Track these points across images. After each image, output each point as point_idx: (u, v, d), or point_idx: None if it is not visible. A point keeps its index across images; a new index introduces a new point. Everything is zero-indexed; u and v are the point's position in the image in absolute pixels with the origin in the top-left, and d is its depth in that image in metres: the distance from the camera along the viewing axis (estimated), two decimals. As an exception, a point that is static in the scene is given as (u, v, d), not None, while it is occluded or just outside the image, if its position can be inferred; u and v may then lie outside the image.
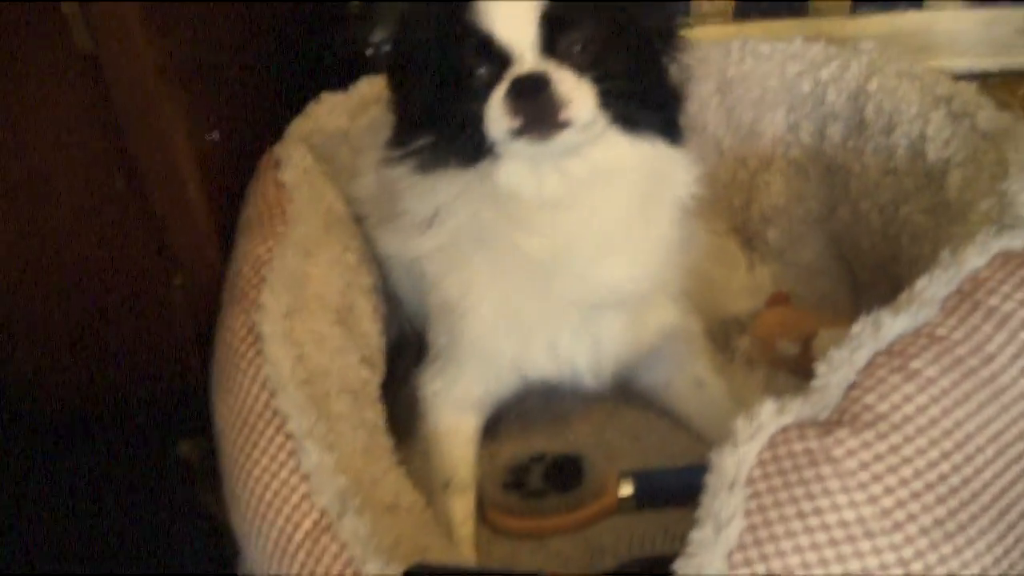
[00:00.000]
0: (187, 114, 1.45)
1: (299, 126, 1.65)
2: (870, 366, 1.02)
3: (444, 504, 1.43)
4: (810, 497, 0.94)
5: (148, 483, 1.62)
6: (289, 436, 1.20)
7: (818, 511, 0.93)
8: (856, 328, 1.06)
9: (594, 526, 1.44)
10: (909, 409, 0.98)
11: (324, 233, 1.49)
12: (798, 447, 0.97)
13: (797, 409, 1.01)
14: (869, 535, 0.92)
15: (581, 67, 1.22)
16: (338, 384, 1.35)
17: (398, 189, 1.39)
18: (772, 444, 0.98)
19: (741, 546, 0.93)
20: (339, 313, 1.43)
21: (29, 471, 1.62)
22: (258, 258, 1.41)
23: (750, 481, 0.96)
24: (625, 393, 1.58)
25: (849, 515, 0.93)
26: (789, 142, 1.77)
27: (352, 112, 1.68)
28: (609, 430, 1.58)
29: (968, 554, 0.93)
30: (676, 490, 1.40)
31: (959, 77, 1.57)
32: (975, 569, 0.93)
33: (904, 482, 0.94)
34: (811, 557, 0.92)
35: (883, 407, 0.98)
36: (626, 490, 1.44)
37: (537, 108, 1.19)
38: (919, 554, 0.92)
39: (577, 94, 1.20)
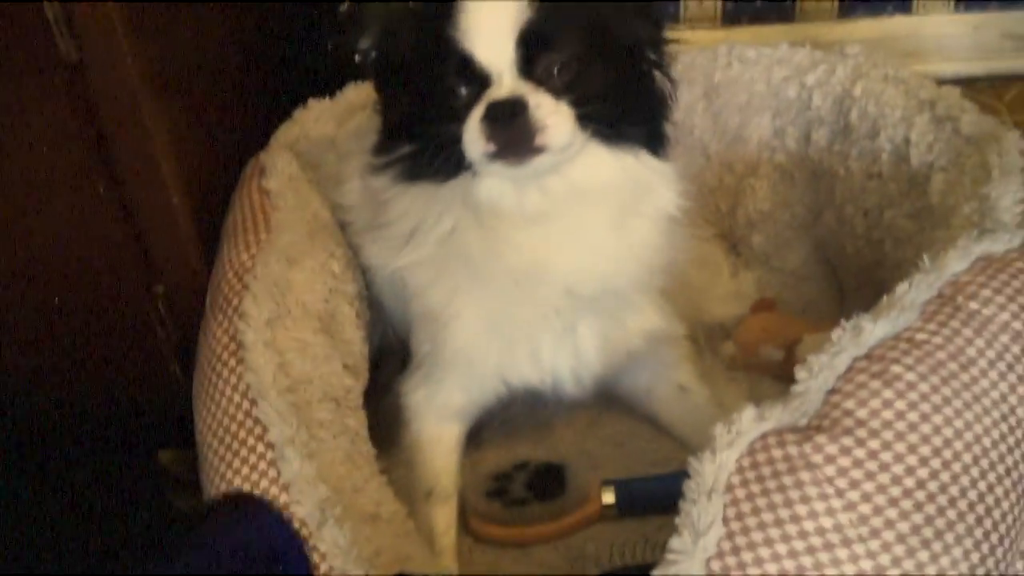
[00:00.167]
0: (171, 121, 1.44)
1: (285, 132, 1.65)
2: (850, 371, 1.02)
3: (426, 513, 1.42)
4: (788, 504, 0.94)
5: (128, 493, 1.61)
6: (270, 445, 1.19)
7: (796, 518, 0.93)
8: (836, 334, 1.06)
9: (576, 534, 1.44)
10: (888, 415, 0.98)
11: (308, 240, 1.48)
12: (777, 453, 0.97)
13: (777, 415, 1.01)
14: (846, 542, 0.92)
15: (559, 89, 1.20)
16: (320, 392, 1.34)
17: (382, 199, 1.39)
18: (751, 451, 0.98)
19: (719, 554, 0.93)
20: (322, 320, 1.43)
21: (7, 480, 1.61)
22: (241, 265, 1.40)
23: (729, 488, 0.96)
24: (608, 400, 1.58)
25: (827, 522, 0.93)
26: (775, 147, 1.77)
27: (339, 118, 1.68)
28: (592, 438, 1.58)
29: (945, 561, 0.92)
30: (658, 498, 1.39)
31: (946, 82, 1.56)
32: (952, 576, 0.93)
33: (882, 488, 0.94)
34: (788, 565, 0.91)
35: (862, 413, 0.98)
36: (608, 498, 1.44)
37: (512, 134, 1.18)
38: (896, 561, 0.92)
39: (554, 119, 1.19)
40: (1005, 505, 0.98)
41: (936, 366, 1.01)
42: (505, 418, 1.57)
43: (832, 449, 0.96)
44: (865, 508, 0.93)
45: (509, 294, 1.34)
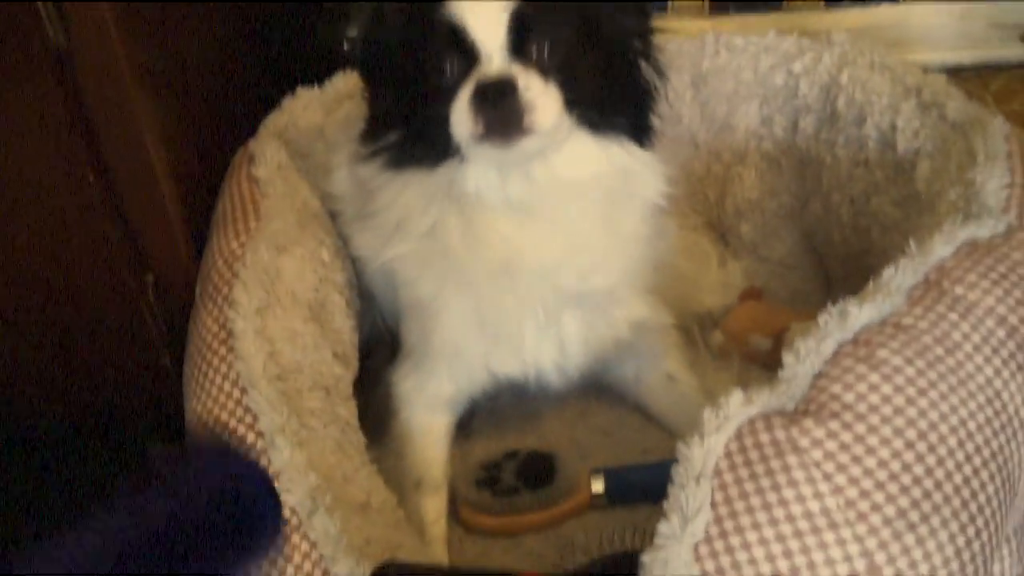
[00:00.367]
0: (160, 110, 1.44)
1: (274, 121, 1.65)
2: (836, 356, 1.03)
3: (416, 503, 1.43)
4: (776, 488, 0.94)
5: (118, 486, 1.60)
6: (260, 434, 1.20)
7: (783, 502, 0.93)
8: (823, 318, 1.06)
9: (566, 523, 1.44)
10: (874, 398, 0.98)
11: (297, 229, 1.48)
12: (765, 438, 0.97)
13: (764, 400, 1.01)
14: (833, 526, 0.92)
15: (549, 70, 1.21)
16: (311, 380, 1.35)
17: (370, 188, 1.39)
18: (739, 435, 0.99)
19: (707, 538, 0.94)
20: (312, 309, 1.43)
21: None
22: (231, 253, 1.41)
23: (717, 472, 0.97)
24: (597, 390, 1.58)
25: (814, 506, 0.93)
26: (762, 135, 1.77)
27: (327, 107, 1.68)
28: (581, 427, 1.58)
29: (931, 544, 0.93)
30: (647, 486, 1.39)
31: (932, 71, 1.56)
32: (937, 559, 0.93)
33: (868, 472, 0.94)
34: (776, 548, 0.92)
35: (848, 397, 0.99)
36: (598, 487, 1.44)
37: (501, 115, 1.18)
38: (882, 544, 0.92)
39: (542, 100, 1.19)
40: (990, 489, 0.98)
41: (922, 350, 1.02)
42: (494, 408, 1.58)
43: (819, 433, 0.96)
44: (852, 491, 0.93)
45: (492, 287, 1.34)
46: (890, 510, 0.93)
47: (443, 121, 1.22)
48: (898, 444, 0.96)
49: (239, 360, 1.26)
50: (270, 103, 1.68)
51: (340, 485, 1.24)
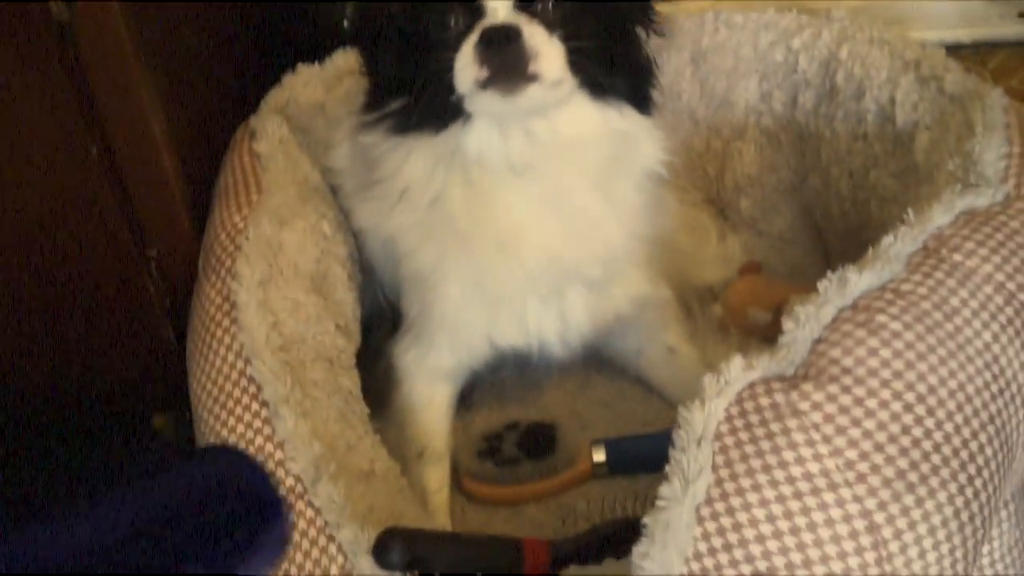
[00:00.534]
0: (162, 84, 1.44)
1: (275, 97, 1.65)
2: (836, 321, 1.04)
3: (419, 473, 1.44)
4: (776, 451, 0.95)
5: (122, 457, 1.61)
6: (264, 403, 1.21)
7: (783, 464, 0.94)
8: (823, 285, 1.07)
9: (568, 492, 1.45)
10: (874, 363, 0.99)
11: (299, 202, 1.49)
12: (765, 402, 0.99)
13: (764, 364, 1.02)
14: (833, 487, 0.93)
15: (553, 25, 1.22)
16: (313, 352, 1.36)
17: (372, 157, 1.39)
18: (739, 399, 1.00)
19: (708, 500, 0.95)
20: (314, 281, 1.44)
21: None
22: (233, 227, 1.41)
23: (718, 436, 0.98)
24: (598, 362, 1.59)
25: (814, 467, 0.94)
26: (762, 111, 1.78)
27: (328, 84, 1.68)
28: (582, 399, 1.59)
29: (930, 504, 0.94)
30: (648, 456, 1.39)
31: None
32: (936, 519, 0.94)
33: (867, 434, 0.96)
34: (776, 509, 0.93)
35: (848, 361, 1.00)
36: (599, 457, 1.45)
37: (506, 59, 1.19)
38: (882, 505, 0.93)
39: (547, 49, 1.20)
40: (988, 451, 0.99)
41: (920, 315, 1.03)
42: (495, 380, 1.59)
43: (819, 397, 0.97)
44: (851, 453, 0.95)
45: (494, 258, 1.35)
46: (889, 471, 0.94)
47: (447, 76, 1.22)
48: (897, 407, 0.97)
49: (242, 331, 1.27)
50: (271, 79, 1.68)
51: (343, 454, 1.25)
